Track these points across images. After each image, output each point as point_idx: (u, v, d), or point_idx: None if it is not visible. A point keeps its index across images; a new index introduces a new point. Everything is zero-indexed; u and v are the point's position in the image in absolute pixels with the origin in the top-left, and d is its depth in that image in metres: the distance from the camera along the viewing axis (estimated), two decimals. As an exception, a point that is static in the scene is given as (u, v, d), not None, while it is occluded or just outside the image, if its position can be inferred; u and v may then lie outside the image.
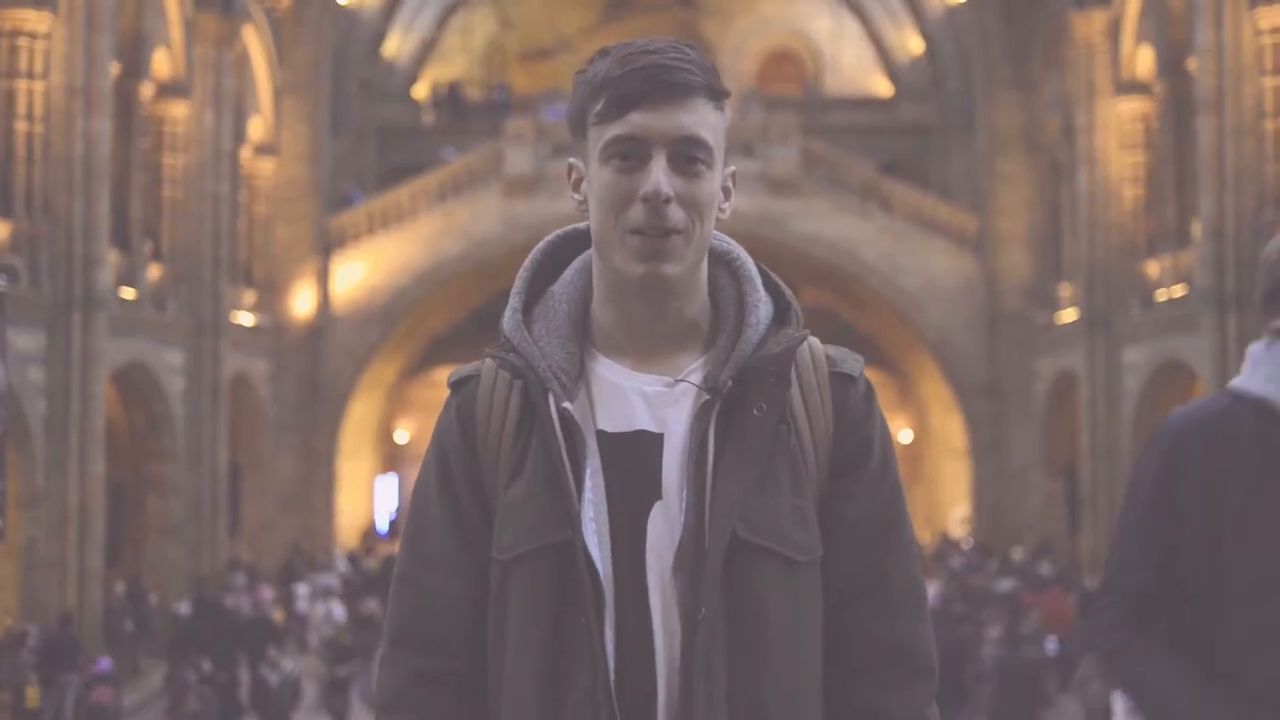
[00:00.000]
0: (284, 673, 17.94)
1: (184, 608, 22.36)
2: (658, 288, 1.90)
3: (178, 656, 18.88)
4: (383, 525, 32.84)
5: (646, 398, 1.91)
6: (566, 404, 1.88)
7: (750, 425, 1.88)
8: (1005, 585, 22.91)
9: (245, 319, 27.52)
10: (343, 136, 32.11)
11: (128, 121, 23.33)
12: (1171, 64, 23.62)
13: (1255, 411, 2.64)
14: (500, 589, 1.91)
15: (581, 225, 2.04)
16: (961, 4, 31.65)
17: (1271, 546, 2.53)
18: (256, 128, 28.91)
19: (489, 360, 1.99)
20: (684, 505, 1.86)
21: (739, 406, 1.89)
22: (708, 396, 1.88)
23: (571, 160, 1.98)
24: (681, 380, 1.91)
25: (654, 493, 1.87)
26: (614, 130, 1.88)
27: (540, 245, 2.08)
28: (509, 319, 1.99)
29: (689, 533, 1.86)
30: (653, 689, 1.84)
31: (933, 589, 22.44)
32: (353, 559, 27.64)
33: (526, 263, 2.06)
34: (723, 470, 1.86)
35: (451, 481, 1.96)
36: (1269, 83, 19.57)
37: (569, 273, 2.04)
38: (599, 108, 1.89)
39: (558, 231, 2.10)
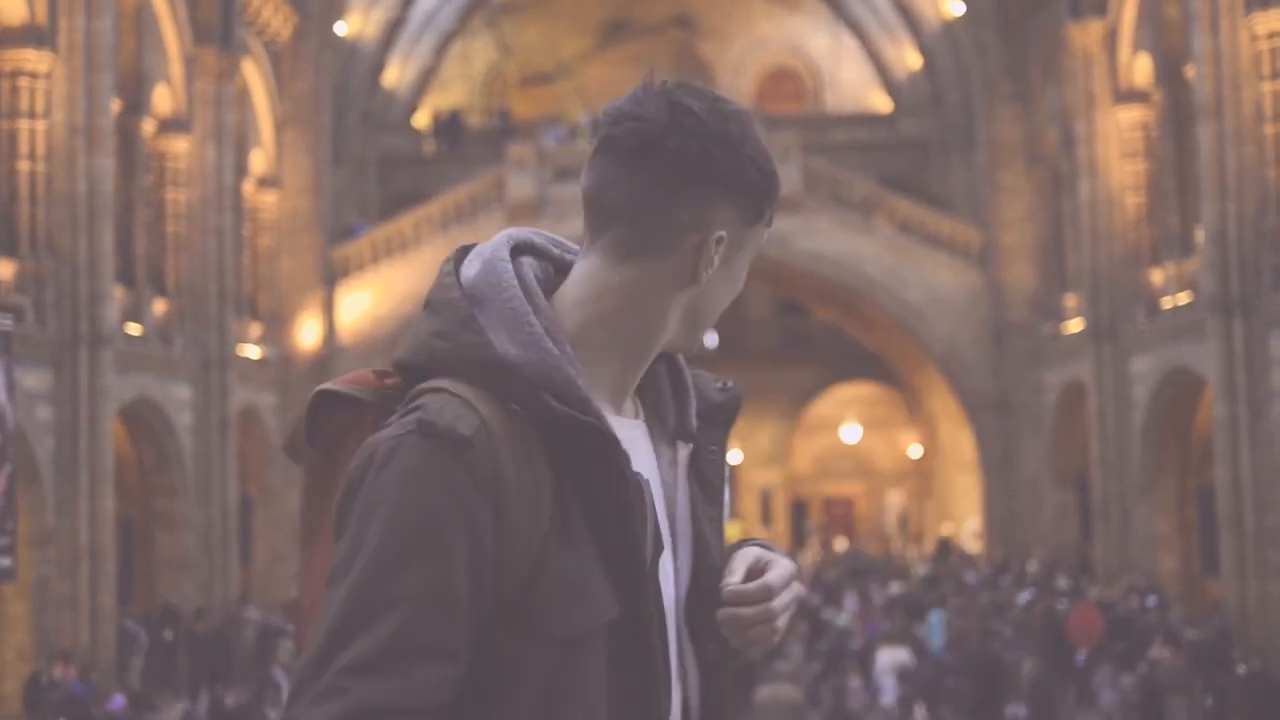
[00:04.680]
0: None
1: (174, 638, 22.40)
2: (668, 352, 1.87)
3: (194, 690, 18.84)
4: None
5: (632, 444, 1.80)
6: (636, 469, 1.70)
7: (708, 466, 1.89)
8: (1025, 597, 22.89)
9: (251, 352, 27.54)
10: (344, 167, 32.20)
11: (130, 158, 23.42)
12: (1169, 72, 23.64)
13: None
14: (557, 669, 1.66)
15: (516, 232, 1.84)
16: (958, 19, 31.72)
17: None
18: (258, 161, 29.00)
19: (485, 402, 1.64)
20: (677, 552, 1.84)
21: (697, 449, 1.89)
22: (680, 442, 1.88)
23: (723, 233, 1.76)
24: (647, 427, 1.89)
25: (658, 543, 1.76)
26: (759, 236, 1.82)
27: (510, 269, 1.77)
28: (555, 362, 1.69)
29: (684, 580, 1.85)
30: None
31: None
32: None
33: (518, 292, 1.75)
34: (697, 514, 1.86)
35: (474, 563, 1.59)
36: (1267, 87, 19.57)
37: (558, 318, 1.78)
38: (767, 209, 1.80)
39: (496, 255, 1.78)
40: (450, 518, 1.57)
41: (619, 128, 1.73)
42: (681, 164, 1.71)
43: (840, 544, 36.71)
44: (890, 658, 18.88)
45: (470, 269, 1.76)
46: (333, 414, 1.75)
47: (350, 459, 1.66)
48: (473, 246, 1.83)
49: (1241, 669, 16.50)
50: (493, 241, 1.81)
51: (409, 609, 1.55)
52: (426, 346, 1.70)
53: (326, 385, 1.74)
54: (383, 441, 1.60)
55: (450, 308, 1.71)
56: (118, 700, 18.21)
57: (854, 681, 19.29)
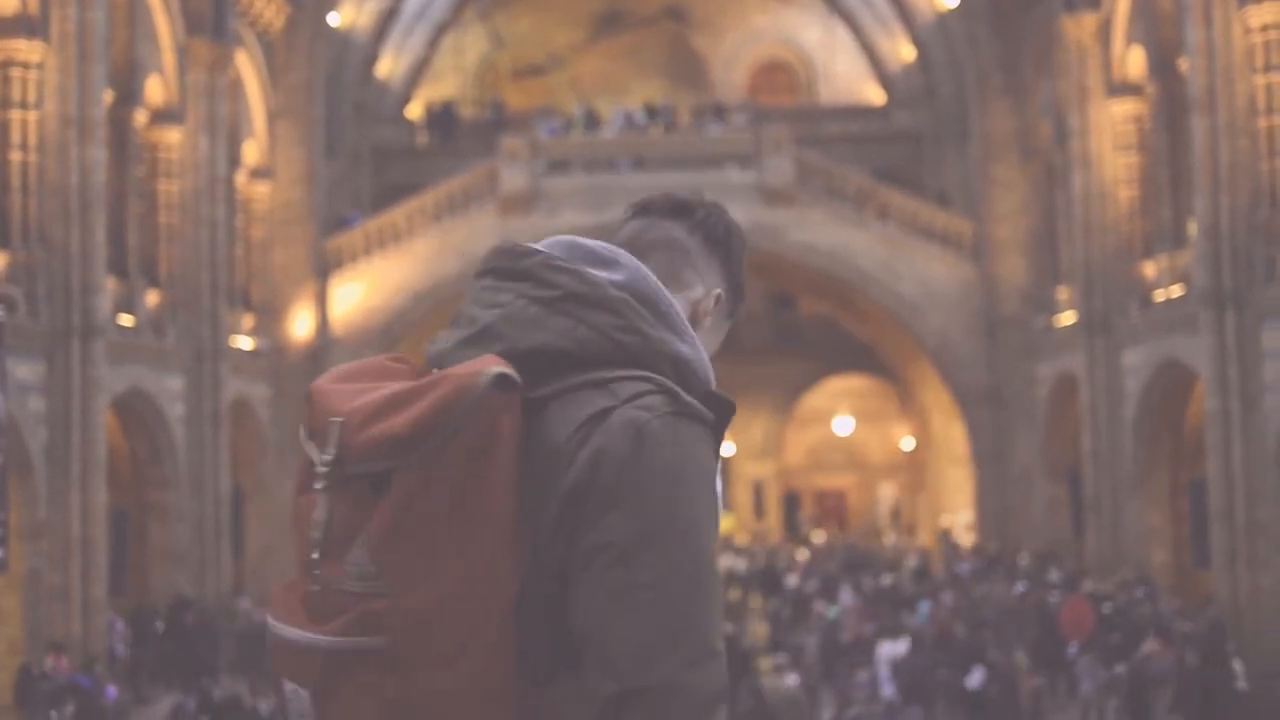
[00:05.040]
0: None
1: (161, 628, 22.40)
2: None
3: (185, 683, 18.83)
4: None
5: None
6: None
7: None
8: (1020, 589, 22.94)
9: (244, 343, 27.50)
10: (337, 158, 32.15)
11: (122, 149, 23.37)
12: (1163, 64, 23.65)
13: None
14: None
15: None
16: (952, 11, 31.70)
17: None
18: (251, 152, 28.94)
19: (674, 391, 1.78)
20: None
21: None
22: None
23: (720, 292, 2.02)
24: None
25: None
26: (720, 336, 2.07)
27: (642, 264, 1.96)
28: (707, 360, 1.90)
29: None
30: None
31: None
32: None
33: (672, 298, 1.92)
34: None
35: None
36: (1260, 80, 19.60)
37: None
38: (735, 317, 2.08)
39: (637, 265, 1.94)
40: (716, 489, 1.78)
41: (656, 199, 2.03)
42: (707, 231, 2.01)
43: (819, 537, 36.71)
44: (889, 650, 18.90)
45: (613, 273, 1.88)
46: (491, 400, 1.72)
47: (508, 444, 1.70)
48: (530, 245, 1.95)
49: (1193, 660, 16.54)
50: (608, 249, 1.93)
51: (716, 568, 1.76)
52: (607, 339, 1.81)
53: (500, 369, 1.72)
54: (646, 421, 1.71)
55: (627, 306, 1.84)
56: (110, 691, 18.22)
57: (862, 675, 19.36)
